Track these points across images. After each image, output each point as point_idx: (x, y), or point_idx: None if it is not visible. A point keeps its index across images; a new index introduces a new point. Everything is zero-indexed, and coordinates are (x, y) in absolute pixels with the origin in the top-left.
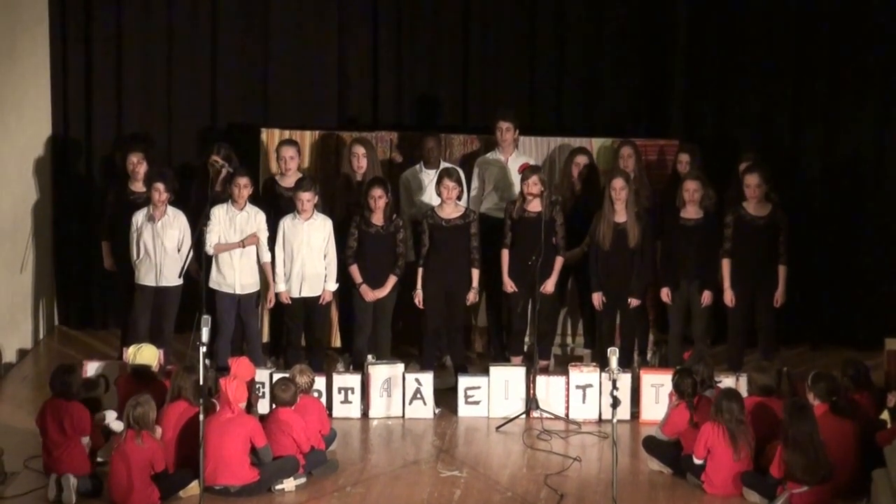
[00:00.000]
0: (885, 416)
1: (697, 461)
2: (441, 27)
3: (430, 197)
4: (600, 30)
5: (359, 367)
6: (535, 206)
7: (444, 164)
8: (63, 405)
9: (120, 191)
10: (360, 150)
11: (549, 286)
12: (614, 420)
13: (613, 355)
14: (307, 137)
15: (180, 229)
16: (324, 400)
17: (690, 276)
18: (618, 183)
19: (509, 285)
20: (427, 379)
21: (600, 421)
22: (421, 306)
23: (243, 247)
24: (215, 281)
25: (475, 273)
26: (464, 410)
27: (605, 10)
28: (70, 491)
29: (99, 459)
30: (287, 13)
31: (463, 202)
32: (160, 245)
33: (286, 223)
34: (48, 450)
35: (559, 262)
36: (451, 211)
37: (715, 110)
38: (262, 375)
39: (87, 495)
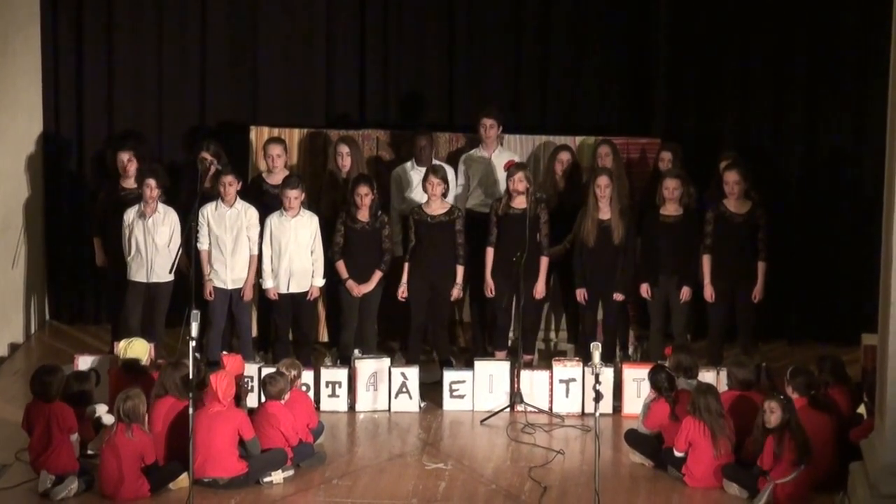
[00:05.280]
0: (861, 410)
1: (678, 454)
2: (427, 27)
3: (419, 194)
4: (584, 30)
5: (345, 361)
6: (520, 202)
7: (434, 162)
8: (44, 407)
9: (111, 188)
10: (344, 149)
11: (539, 289)
12: (597, 414)
13: (596, 350)
14: (295, 135)
15: (171, 226)
16: (311, 394)
17: (670, 273)
18: (602, 180)
19: (490, 287)
20: (413, 373)
21: (583, 414)
22: (402, 299)
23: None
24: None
25: (460, 269)
26: (449, 404)
27: (589, 10)
28: (67, 490)
29: (89, 452)
30: (275, 12)
31: (451, 199)
32: (151, 241)
33: (273, 220)
34: (36, 451)
35: (544, 262)
36: (437, 207)
37: (696, 110)
38: (250, 370)
39: (79, 491)
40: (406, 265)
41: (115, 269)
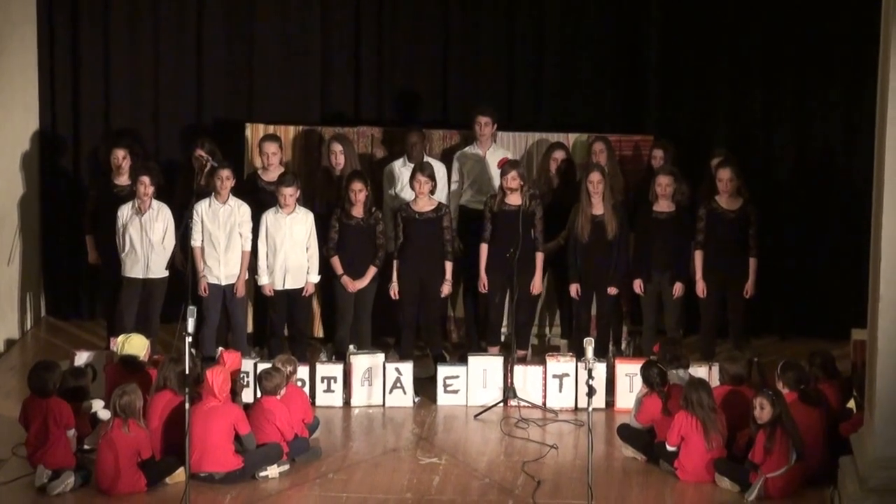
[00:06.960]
0: (851, 404)
1: (670, 448)
2: (422, 24)
3: (409, 191)
4: (577, 28)
5: (340, 357)
6: (514, 199)
7: (426, 159)
8: (41, 402)
9: (103, 185)
10: (337, 147)
11: (537, 285)
12: (590, 408)
13: (589, 345)
14: (290, 132)
15: (165, 222)
16: (307, 389)
17: (662, 269)
18: (595, 176)
19: (483, 283)
20: (407, 368)
21: (576, 409)
22: (395, 298)
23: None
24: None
25: (448, 266)
26: (442, 399)
27: (582, 8)
28: (63, 485)
29: (86, 447)
30: (271, 10)
31: (441, 197)
32: (146, 238)
33: (269, 217)
34: (33, 446)
35: (540, 258)
36: (424, 205)
37: (688, 107)
38: (246, 365)
39: (75, 486)
40: (395, 262)
41: (109, 266)
